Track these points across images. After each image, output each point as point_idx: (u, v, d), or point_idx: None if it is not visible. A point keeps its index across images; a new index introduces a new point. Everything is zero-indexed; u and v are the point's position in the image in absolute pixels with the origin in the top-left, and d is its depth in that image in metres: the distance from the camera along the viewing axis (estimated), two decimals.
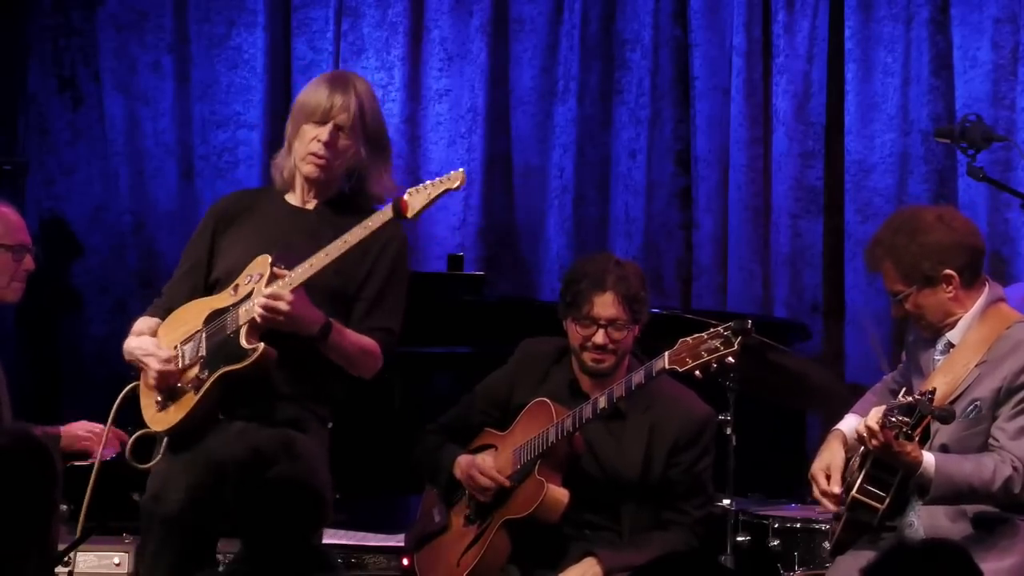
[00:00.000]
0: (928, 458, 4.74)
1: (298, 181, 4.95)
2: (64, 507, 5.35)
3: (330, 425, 5.01)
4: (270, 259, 4.80)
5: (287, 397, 4.83)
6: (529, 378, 5.43)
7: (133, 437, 4.98)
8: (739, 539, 5.71)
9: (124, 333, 5.02)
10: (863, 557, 4.84)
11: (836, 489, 4.91)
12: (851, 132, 7.60)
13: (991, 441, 4.80)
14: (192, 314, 4.93)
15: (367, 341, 4.86)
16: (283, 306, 4.69)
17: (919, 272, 4.85)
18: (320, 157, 4.87)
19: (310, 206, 4.96)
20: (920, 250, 4.85)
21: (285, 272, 4.76)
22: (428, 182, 4.71)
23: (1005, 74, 7.42)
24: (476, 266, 7.63)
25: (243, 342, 4.76)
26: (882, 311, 7.49)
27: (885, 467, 4.81)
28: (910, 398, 4.75)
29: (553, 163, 7.85)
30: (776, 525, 5.85)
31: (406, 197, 4.68)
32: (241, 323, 4.78)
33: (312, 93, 4.91)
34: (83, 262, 7.89)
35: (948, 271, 4.85)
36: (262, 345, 4.74)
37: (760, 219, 7.70)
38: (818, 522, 5.80)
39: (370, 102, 4.92)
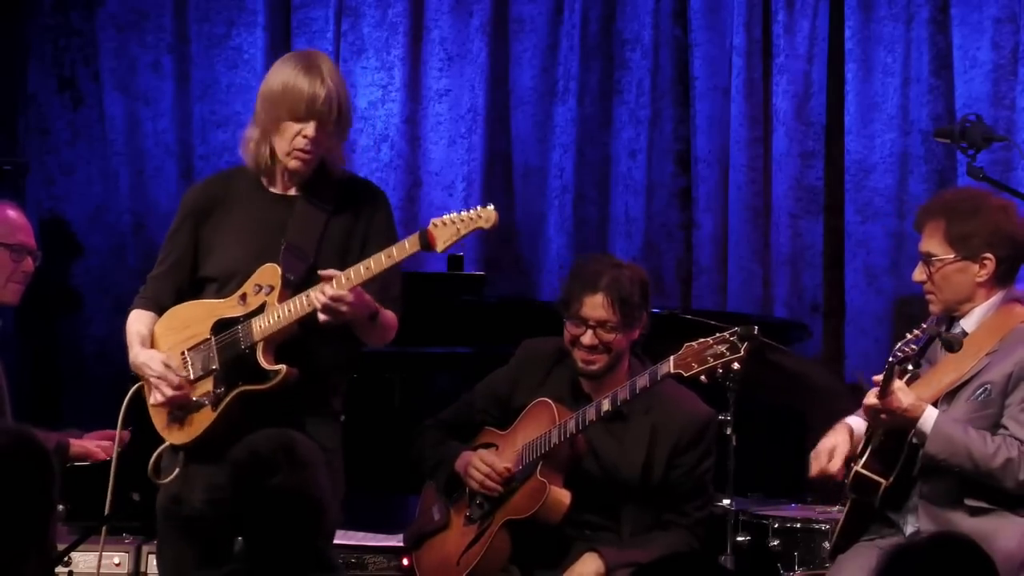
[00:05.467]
0: (929, 412, 4.78)
1: (278, 170, 4.96)
2: (61, 507, 5.34)
3: (343, 418, 5.03)
4: (279, 271, 4.84)
5: (300, 396, 4.84)
6: (531, 378, 5.42)
7: (155, 455, 4.95)
8: (739, 539, 5.71)
9: (123, 333, 5.01)
10: (863, 556, 4.85)
11: (835, 468, 4.91)
12: (851, 132, 7.59)
13: (1002, 431, 4.83)
14: (196, 318, 4.93)
15: (390, 314, 4.91)
16: (344, 308, 4.74)
17: (966, 244, 4.87)
18: (307, 152, 4.89)
19: (291, 192, 4.97)
20: (977, 224, 4.87)
21: (333, 272, 4.76)
22: (455, 214, 4.72)
23: (1005, 74, 7.42)
24: (476, 266, 7.61)
25: (262, 361, 4.81)
26: (882, 311, 7.49)
27: (892, 444, 4.83)
28: (917, 332, 4.79)
29: (553, 163, 7.84)
30: (776, 525, 5.85)
31: (431, 229, 4.71)
32: (256, 339, 4.81)
33: (290, 87, 4.86)
34: (83, 262, 7.88)
35: (989, 255, 4.87)
36: (284, 367, 4.79)
37: (760, 219, 7.69)
38: (818, 522, 5.80)
39: (340, 86, 4.93)
